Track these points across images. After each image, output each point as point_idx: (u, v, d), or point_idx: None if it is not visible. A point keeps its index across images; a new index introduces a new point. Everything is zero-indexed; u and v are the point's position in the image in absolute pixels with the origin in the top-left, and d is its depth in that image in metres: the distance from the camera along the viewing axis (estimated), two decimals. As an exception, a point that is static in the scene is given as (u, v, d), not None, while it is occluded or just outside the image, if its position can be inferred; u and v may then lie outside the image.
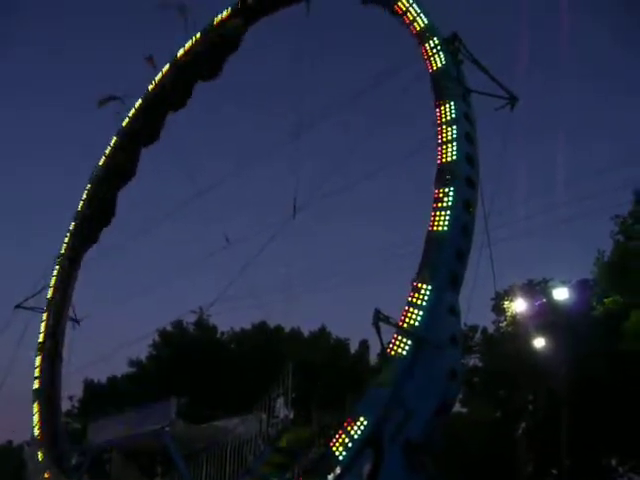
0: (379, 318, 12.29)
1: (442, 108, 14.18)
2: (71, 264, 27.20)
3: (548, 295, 28.35)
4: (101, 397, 43.38)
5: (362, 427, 12.02)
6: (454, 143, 13.48)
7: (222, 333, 46.26)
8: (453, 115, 13.90)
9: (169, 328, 44.28)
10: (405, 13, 15.71)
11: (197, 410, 25.14)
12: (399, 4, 15.83)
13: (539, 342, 27.05)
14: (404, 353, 12.21)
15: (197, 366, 38.63)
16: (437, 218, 12.92)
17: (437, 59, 14.76)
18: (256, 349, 41.37)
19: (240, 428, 17.70)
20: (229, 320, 47.28)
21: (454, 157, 13.32)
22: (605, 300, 27.34)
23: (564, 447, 25.83)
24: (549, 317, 27.55)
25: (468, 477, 28.06)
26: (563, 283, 27.71)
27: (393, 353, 12.33)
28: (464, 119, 14.04)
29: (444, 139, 13.74)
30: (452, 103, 14.08)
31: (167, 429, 19.78)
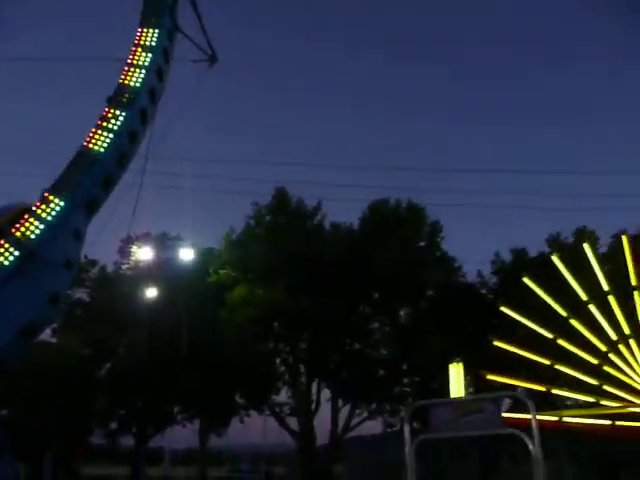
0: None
1: (145, 31, 13.35)
2: None
3: (175, 252, 29.52)
4: None
5: None
6: (143, 71, 12.81)
7: None
8: (153, 43, 13.22)
9: None
10: None
11: None
12: None
13: (152, 292, 27.85)
14: (6, 263, 10.89)
15: None
16: (97, 137, 12.00)
17: (157, -20, 13.84)
18: None
19: None
20: None
21: (138, 84, 12.64)
22: (220, 271, 30.23)
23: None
24: (169, 272, 28.71)
25: (45, 404, 26.76)
26: (192, 245, 29.31)
27: (-6, 259, 10.87)
28: (162, 53, 13.50)
29: (135, 62, 12.92)
30: (156, 31, 13.39)
31: None
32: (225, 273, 30.05)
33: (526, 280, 17.72)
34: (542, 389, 16.06)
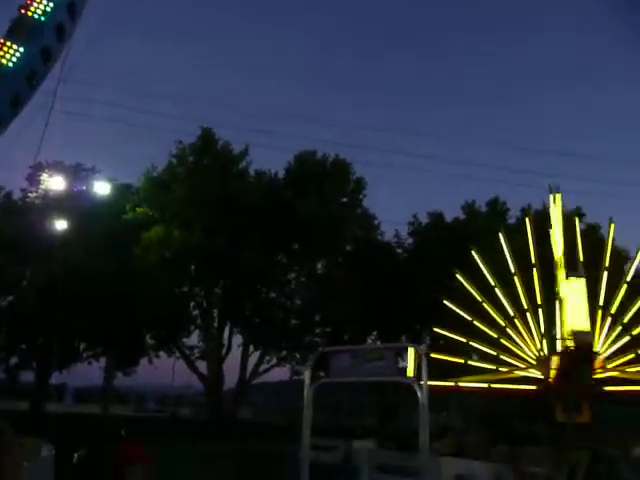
0: None
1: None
2: None
3: (90, 185, 28.04)
4: None
5: None
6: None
7: None
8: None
9: None
10: None
11: None
12: None
13: (61, 224, 26.43)
14: None
15: None
16: (6, 50, 10.96)
17: None
18: None
19: None
20: None
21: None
22: (137, 208, 29.24)
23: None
24: (81, 205, 27.31)
25: None
26: (108, 179, 27.99)
27: None
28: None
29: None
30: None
31: None
32: (142, 211, 29.12)
33: (458, 275, 18.73)
34: (461, 361, 17.93)
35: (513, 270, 17.93)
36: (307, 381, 7.69)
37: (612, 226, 18.12)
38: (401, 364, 6.79)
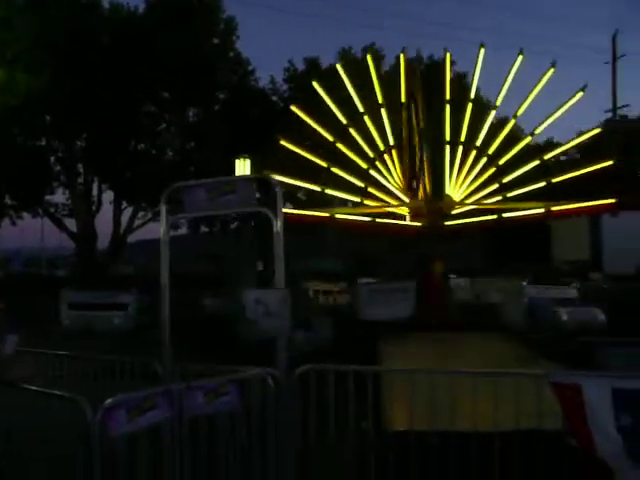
0: None
1: None
2: None
3: None
4: None
5: None
6: None
7: None
8: None
9: None
10: None
11: None
12: None
13: None
14: None
15: None
16: None
17: None
18: None
19: None
20: None
21: None
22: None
23: None
24: None
25: None
26: None
27: None
28: None
29: None
30: None
31: None
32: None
33: (315, 84, 17.90)
34: (318, 188, 17.41)
35: (380, 101, 17.69)
36: (163, 216, 7.14)
37: (448, 55, 18.15)
38: (256, 194, 6.46)
